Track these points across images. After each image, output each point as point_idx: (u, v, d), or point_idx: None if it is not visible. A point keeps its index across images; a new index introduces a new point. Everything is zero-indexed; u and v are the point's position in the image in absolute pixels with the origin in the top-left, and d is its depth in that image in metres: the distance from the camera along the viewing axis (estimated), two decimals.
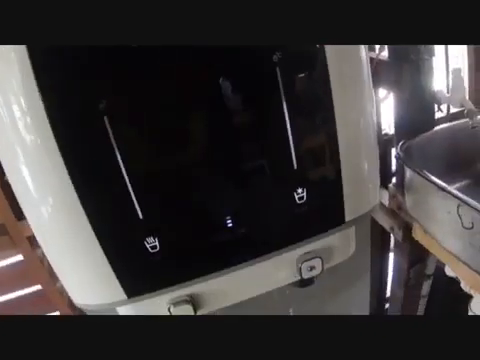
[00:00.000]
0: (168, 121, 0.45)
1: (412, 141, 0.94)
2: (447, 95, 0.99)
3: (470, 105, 0.92)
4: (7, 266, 1.25)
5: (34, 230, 0.52)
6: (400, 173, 0.97)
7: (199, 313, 0.54)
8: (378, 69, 0.91)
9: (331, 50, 0.45)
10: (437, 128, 1.00)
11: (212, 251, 0.50)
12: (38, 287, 1.27)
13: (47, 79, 0.40)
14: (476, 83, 1.17)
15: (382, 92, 1.03)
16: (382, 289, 1.38)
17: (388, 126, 1.09)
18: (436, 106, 1.02)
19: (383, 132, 1.08)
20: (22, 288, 1.27)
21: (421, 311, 1.21)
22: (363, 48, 0.48)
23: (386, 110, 1.06)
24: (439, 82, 1.09)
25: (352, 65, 0.49)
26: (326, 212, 0.54)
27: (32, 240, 1.26)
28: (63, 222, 0.47)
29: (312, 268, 0.55)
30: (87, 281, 0.51)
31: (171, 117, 0.44)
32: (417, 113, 0.99)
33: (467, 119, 0.95)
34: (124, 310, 0.55)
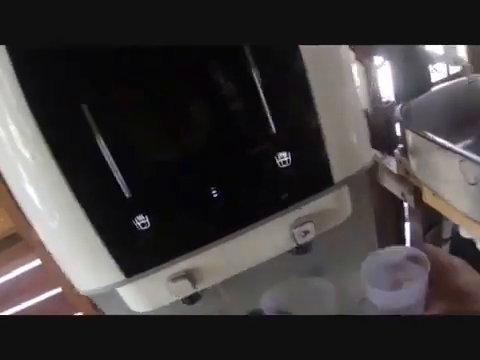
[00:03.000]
0: (147, 96, 0.46)
1: (410, 103, 0.93)
2: (440, 54, 0.98)
3: (464, 61, 0.90)
4: (26, 272, 1.29)
5: (36, 227, 0.53)
6: (403, 136, 0.96)
7: (199, 288, 0.55)
8: None
9: None
10: (435, 88, 0.99)
11: (201, 223, 0.51)
12: (58, 290, 1.30)
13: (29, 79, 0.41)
14: None
15: (378, 60, 1.01)
16: None
17: (389, 93, 1.07)
18: (431, 67, 1.01)
19: (384, 100, 1.06)
20: (43, 292, 1.30)
21: None
22: None
23: (384, 77, 1.05)
24: None
25: None
26: (312, 175, 0.53)
27: None
28: (58, 214, 0.48)
29: (306, 233, 0.55)
30: (87, 267, 0.52)
31: (150, 91, 0.46)
32: (413, 76, 0.98)
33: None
34: (124, 290, 0.56)
